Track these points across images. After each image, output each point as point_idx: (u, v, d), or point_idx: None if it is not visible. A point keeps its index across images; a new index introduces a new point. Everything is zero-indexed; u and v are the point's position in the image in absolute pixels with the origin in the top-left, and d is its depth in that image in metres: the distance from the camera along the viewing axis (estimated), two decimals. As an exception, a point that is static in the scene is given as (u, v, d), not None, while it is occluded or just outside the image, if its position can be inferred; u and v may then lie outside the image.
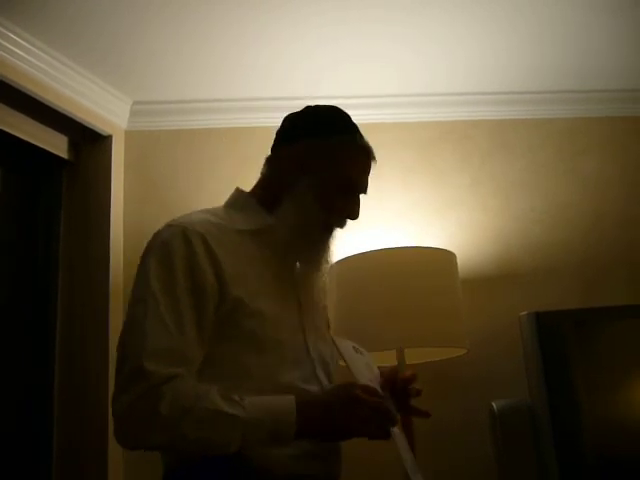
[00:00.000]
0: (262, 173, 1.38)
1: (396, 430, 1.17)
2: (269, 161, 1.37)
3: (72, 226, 2.34)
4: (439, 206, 2.49)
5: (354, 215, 1.33)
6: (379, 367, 1.36)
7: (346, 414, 1.13)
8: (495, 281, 2.41)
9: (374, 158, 1.35)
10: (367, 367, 1.30)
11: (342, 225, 1.34)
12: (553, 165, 2.57)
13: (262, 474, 1.14)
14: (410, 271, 2.00)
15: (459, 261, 2.19)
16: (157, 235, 1.23)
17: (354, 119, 1.37)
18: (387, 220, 2.44)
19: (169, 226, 1.23)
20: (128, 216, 2.39)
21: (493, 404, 1.95)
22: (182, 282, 1.15)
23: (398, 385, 1.31)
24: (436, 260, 2.08)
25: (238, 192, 1.38)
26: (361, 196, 1.35)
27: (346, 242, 2.31)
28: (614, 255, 2.46)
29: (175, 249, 1.17)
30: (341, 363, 1.29)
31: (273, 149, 1.38)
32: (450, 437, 2.22)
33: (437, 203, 2.49)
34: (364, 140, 1.34)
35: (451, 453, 2.19)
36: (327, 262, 1.33)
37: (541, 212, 2.51)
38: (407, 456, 1.21)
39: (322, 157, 1.30)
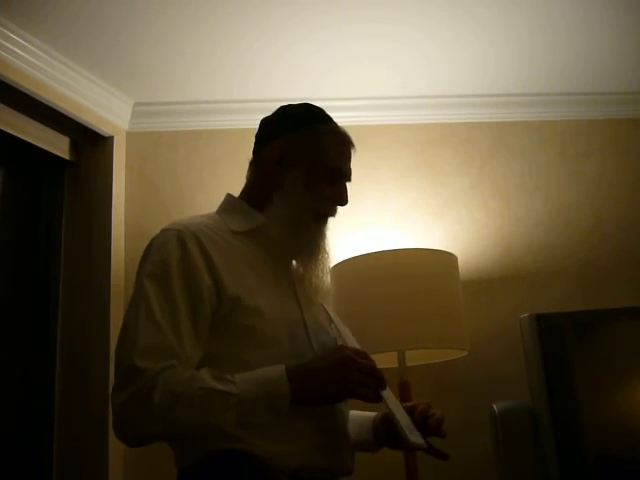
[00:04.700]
0: (247, 177, 1.41)
1: (387, 392, 1.17)
2: (253, 164, 1.40)
3: (73, 227, 2.34)
4: (440, 208, 2.49)
5: (343, 201, 1.35)
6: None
7: (338, 375, 1.13)
8: (496, 283, 2.41)
9: (353, 145, 1.38)
10: (356, 342, 1.31)
11: (334, 213, 1.36)
12: (554, 167, 2.57)
13: (272, 469, 1.13)
14: (411, 273, 2.00)
15: (460, 263, 2.19)
16: (153, 240, 1.25)
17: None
18: (387, 222, 2.43)
19: (164, 230, 1.25)
20: (129, 217, 2.39)
21: (494, 406, 1.94)
22: (177, 281, 1.16)
23: (416, 419, 1.29)
24: (437, 262, 2.08)
25: (228, 197, 1.41)
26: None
27: (346, 244, 2.32)
28: (615, 257, 2.46)
29: (170, 251, 1.19)
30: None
31: (255, 152, 1.40)
32: (450, 439, 2.19)
33: (438, 205, 2.49)
34: (342, 128, 1.38)
35: (451, 455, 2.18)
36: (325, 251, 1.35)
37: (542, 214, 2.51)
38: (401, 417, 1.20)
39: (305, 148, 1.33)
